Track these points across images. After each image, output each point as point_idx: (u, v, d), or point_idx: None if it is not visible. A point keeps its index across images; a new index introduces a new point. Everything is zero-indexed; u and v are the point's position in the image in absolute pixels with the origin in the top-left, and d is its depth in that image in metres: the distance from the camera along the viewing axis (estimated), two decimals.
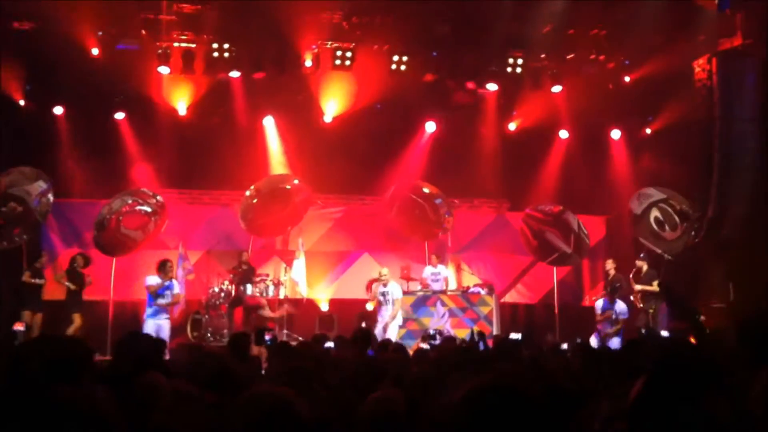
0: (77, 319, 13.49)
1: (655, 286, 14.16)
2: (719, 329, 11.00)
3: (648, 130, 16.83)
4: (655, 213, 14.98)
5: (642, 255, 14.71)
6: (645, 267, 14.42)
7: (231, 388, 3.77)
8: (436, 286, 14.53)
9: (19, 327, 11.58)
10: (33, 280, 13.41)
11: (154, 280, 12.68)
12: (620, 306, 13.78)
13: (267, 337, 8.14)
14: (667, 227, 14.92)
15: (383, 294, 13.72)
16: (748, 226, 13.88)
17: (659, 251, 14.82)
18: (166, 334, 12.27)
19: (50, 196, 13.97)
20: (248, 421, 2.61)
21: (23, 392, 2.12)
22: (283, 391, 2.80)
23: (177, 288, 12.95)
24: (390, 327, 13.43)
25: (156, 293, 12.58)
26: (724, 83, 14.76)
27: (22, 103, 14.86)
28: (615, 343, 13.08)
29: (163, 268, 12.80)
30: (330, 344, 7.94)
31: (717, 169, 14.65)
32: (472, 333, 10.44)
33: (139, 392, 3.49)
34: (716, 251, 14.51)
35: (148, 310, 12.68)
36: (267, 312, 14.36)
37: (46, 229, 14.97)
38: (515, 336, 11.16)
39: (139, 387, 3.55)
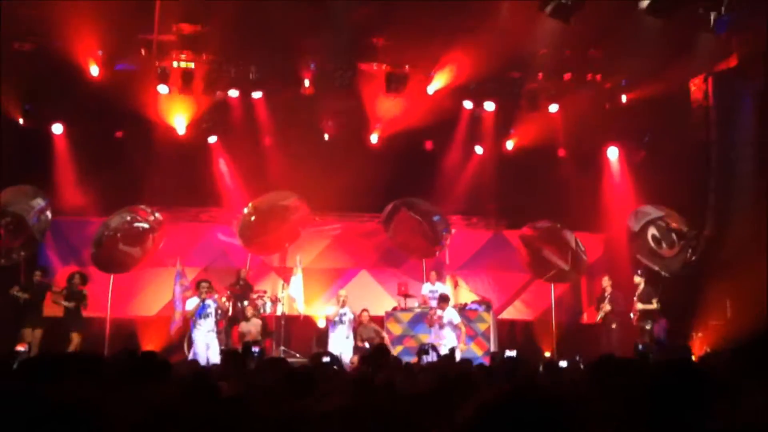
0: (75, 338, 13.49)
1: (654, 304, 14.20)
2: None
3: (644, 150, 16.88)
4: (652, 231, 15.00)
5: (639, 272, 14.74)
6: (642, 284, 14.46)
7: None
8: (434, 304, 14.52)
9: (21, 348, 11.59)
10: (18, 294, 13.36)
11: (190, 304, 12.91)
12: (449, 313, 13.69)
13: (254, 349, 8.18)
14: (664, 245, 14.94)
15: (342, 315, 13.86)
16: (746, 245, 13.91)
17: (657, 268, 14.84)
18: (215, 350, 12.57)
19: (48, 214, 14.05)
20: None
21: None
22: None
23: (212, 306, 13.03)
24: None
25: (195, 315, 12.73)
26: (720, 104, 14.85)
27: (21, 121, 14.93)
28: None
29: (198, 288, 13.03)
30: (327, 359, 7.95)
31: (714, 190, 14.72)
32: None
33: None
34: (714, 269, 14.53)
35: (195, 331, 12.87)
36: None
37: (44, 247, 15.01)
38: (510, 353, 11.17)
39: None
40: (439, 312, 13.50)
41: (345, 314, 13.73)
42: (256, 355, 8.19)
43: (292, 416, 3.51)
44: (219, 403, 3.88)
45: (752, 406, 2.99)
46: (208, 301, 12.91)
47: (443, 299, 13.73)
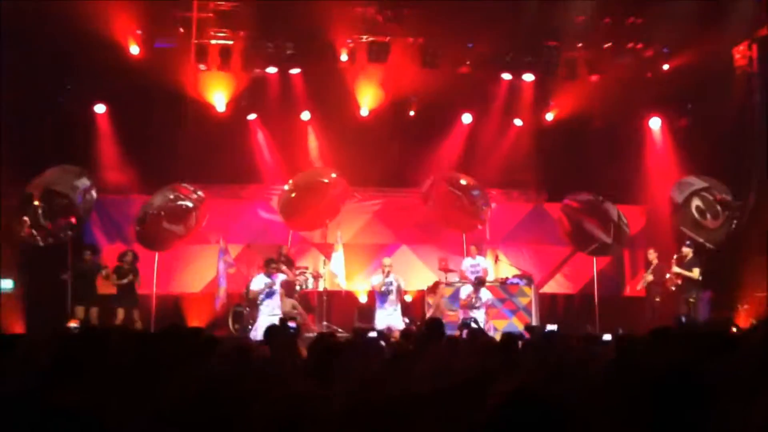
0: (128, 315, 13.73)
1: (695, 273, 14.05)
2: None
3: (687, 119, 16.63)
4: (696, 202, 14.81)
5: (688, 242, 14.55)
6: (690, 254, 14.28)
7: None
8: (473, 278, 14.52)
9: (73, 324, 11.86)
10: (111, 278, 13.75)
11: (256, 285, 13.07)
12: (485, 294, 13.54)
13: (291, 325, 8.24)
14: (708, 216, 14.75)
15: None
16: None
17: (701, 240, 14.67)
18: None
19: (93, 193, 14.26)
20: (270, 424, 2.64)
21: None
22: (306, 392, 2.83)
23: (278, 281, 13.21)
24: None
25: (262, 295, 12.96)
26: (765, 70, 14.55)
27: (63, 102, 15.11)
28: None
29: (267, 266, 13.19)
30: (373, 334, 7.99)
31: (757, 157, 14.46)
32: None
33: None
34: (758, 239, 14.32)
35: (260, 310, 13.06)
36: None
37: (89, 226, 15.26)
38: (551, 327, 11.14)
39: None
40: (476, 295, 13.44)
41: (391, 283, 13.38)
42: (292, 331, 8.24)
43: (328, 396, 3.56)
44: (262, 377, 3.91)
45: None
46: (275, 279, 13.04)
47: (480, 282, 13.66)
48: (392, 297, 13.34)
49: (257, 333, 12.13)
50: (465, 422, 2.60)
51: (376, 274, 13.88)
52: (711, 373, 2.98)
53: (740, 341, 5.71)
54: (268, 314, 12.74)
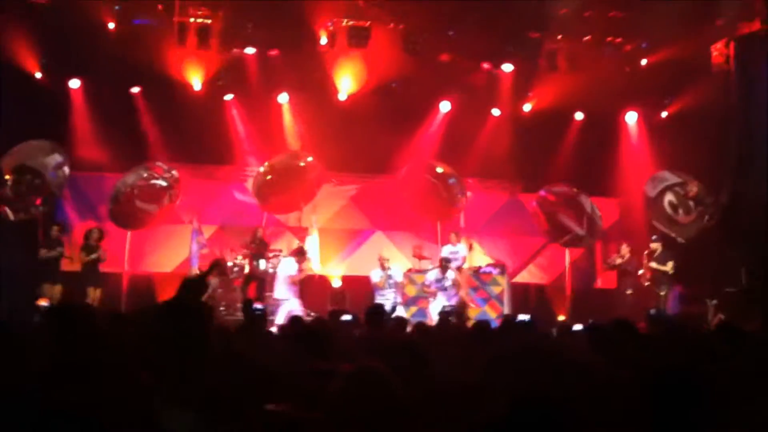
0: (92, 293, 13.61)
1: (669, 267, 14.20)
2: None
3: (664, 114, 16.75)
4: (669, 197, 14.98)
5: (654, 237, 14.72)
6: (659, 248, 14.44)
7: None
8: (453, 265, 14.54)
9: (43, 302, 11.73)
10: (50, 254, 13.51)
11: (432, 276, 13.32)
12: (452, 275, 13.66)
13: (257, 306, 8.22)
14: (681, 211, 14.92)
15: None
16: (763, 212, 13.84)
17: (673, 235, 14.82)
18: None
19: (66, 169, 14.11)
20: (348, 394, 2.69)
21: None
22: (381, 368, 2.89)
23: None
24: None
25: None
26: (742, 69, 14.65)
27: (38, 76, 14.87)
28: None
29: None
30: (348, 317, 7.98)
31: (732, 155, 14.59)
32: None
33: None
34: (730, 236, 14.49)
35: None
36: None
37: (61, 202, 15.09)
38: (524, 317, 11.19)
39: None
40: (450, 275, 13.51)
41: (392, 277, 13.40)
42: (258, 313, 8.21)
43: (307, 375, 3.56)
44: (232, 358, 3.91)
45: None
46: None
47: (447, 261, 13.75)
48: (393, 289, 13.41)
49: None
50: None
51: (374, 270, 13.69)
52: (711, 374, 3.00)
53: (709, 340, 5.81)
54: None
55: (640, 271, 14.54)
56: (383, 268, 13.51)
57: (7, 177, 13.24)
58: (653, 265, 14.32)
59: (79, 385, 2.87)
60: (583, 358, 5.09)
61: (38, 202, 13.67)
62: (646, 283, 14.48)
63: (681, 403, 2.58)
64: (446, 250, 14.90)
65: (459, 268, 14.21)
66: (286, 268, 13.18)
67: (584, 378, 3.81)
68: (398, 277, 13.69)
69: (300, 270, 13.18)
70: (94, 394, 2.75)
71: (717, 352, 5.05)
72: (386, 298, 13.16)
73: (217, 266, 9.96)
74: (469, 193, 15.99)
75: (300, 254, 13.34)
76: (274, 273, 14.08)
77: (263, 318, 8.52)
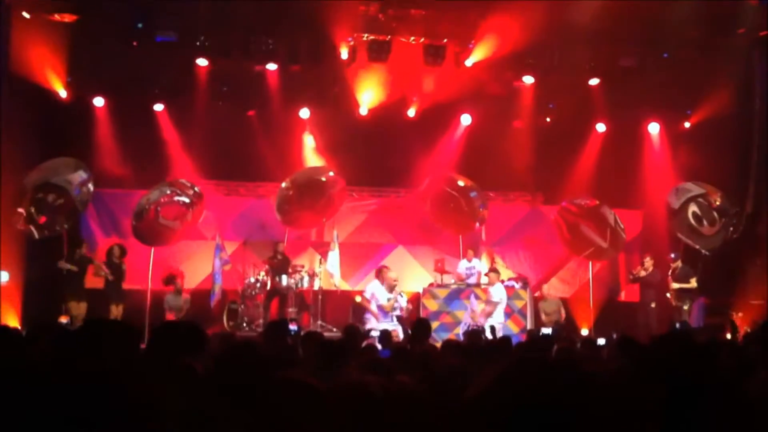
0: (115, 310, 13.73)
1: (693, 283, 14.09)
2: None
3: (687, 124, 16.61)
4: (693, 208, 14.82)
5: (673, 255, 14.63)
6: (679, 264, 14.37)
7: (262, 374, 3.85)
8: (470, 281, 14.53)
9: (63, 320, 11.82)
10: (67, 266, 13.64)
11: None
12: (498, 290, 13.55)
13: (292, 327, 8.21)
14: (705, 222, 14.76)
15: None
16: None
17: (697, 246, 14.68)
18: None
19: (90, 186, 14.21)
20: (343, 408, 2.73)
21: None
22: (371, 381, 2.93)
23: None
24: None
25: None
26: (765, 77, 14.54)
27: (63, 94, 15.07)
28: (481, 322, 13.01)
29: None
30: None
31: (756, 165, 14.46)
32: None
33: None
34: (755, 247, 14.34)
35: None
36: None
37: (86, 218, 15.25)
38: (546, 331, 11.14)
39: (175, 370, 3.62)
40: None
41: (397, 302, 12.73)
42: (293, 332, 8.23)
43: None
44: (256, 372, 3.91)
45: None
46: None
47: (494, 271, 13.77)
48: (396, 313, 12.68)
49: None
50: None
51: (384, 292, 12.75)
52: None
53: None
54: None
55: (668, 294, 14.47)
56: (394, 290, 12.70)
57: (32, 195, 13.39)
58: (676, 285, 14.27)
59: None
60: (605, 367, 5.07)
61: (60, 216, 13.76)
62: (674, 303, 14.40)
63: (712, 417, 2.57)
64: (462, 266, 14.87)
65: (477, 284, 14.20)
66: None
67: (603, 390, 3.80)
68: (403, 303, 12.92)
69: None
70: None
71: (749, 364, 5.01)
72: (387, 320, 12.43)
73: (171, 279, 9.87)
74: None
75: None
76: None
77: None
